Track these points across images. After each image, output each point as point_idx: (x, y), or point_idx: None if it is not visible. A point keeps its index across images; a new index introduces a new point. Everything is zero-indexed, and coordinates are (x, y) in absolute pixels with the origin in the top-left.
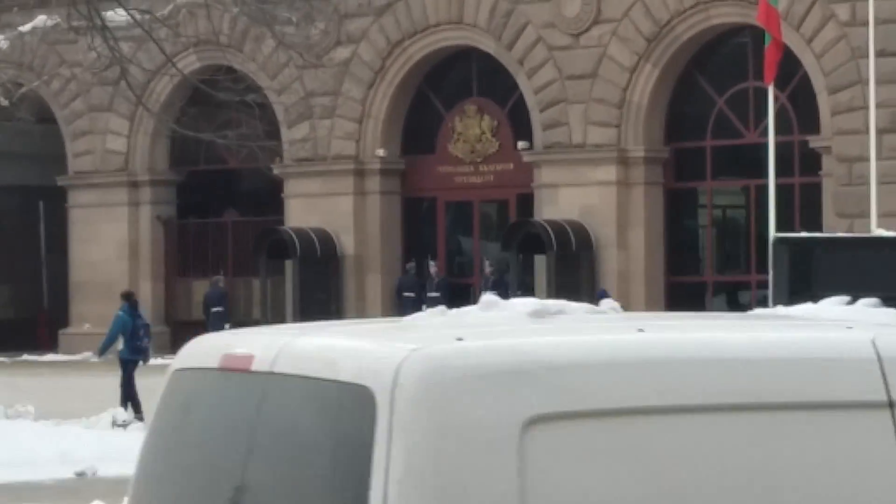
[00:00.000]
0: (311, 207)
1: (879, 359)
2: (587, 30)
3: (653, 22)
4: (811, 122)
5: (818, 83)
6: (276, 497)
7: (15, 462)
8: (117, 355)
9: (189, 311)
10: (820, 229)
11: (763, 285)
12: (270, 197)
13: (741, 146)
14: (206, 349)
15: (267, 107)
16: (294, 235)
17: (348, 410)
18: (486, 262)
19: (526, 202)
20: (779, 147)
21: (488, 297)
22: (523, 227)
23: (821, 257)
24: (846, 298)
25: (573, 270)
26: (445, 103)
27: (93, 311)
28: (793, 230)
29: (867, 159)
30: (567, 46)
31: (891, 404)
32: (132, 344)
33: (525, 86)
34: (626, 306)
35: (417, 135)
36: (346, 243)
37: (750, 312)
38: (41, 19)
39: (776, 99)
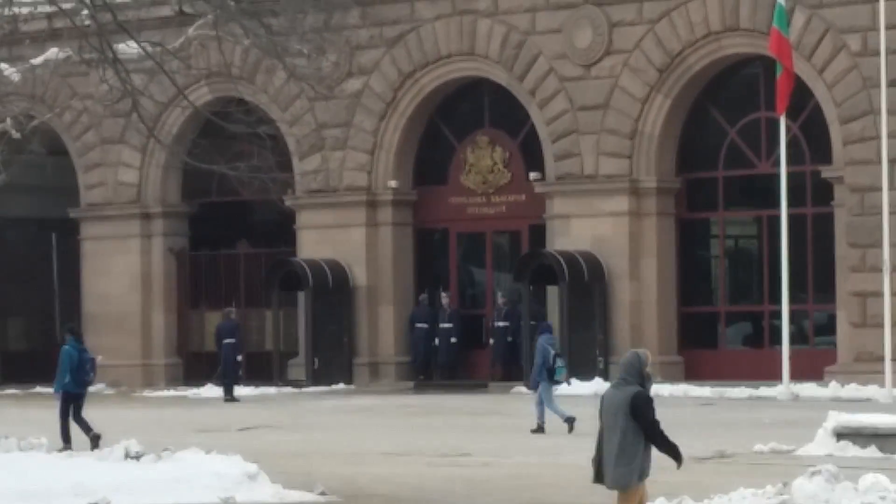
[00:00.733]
0: (323, 239)
1: None
2: (599, 60)
3: (664, 53)
4: (823, 152)
5: (830, 113)
6: None
7: (28, 494)
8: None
9: (202, 342)
10: (832, 259)
11: (776, 315)
12: (282, 228)
13: (753, 176)
14: None
15: (279, 138)
16: (306, 267)
17: None
18: (499, 294)
19: (538, 233)
20: (791, 177)
21: None
22: (535, 258)
23: None
24: None
25: (586, 301)
26: (457, 134)
27: (106, 343)
28: (805, 260)
29: (879, 189)
30: (579, 77)
31: None
32: (78, 378)
33: (537, 116)
34: (639, 337)
35: (429, 166)
36: (359, 275)
37: None
38: (53, 52)
39: (788, 129)
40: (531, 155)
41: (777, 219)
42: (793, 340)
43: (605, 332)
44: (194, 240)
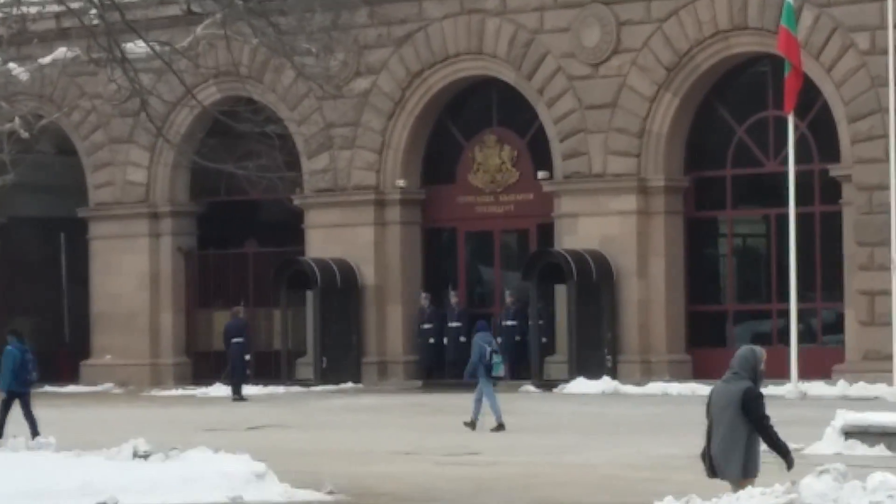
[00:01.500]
0: (331, 238)
1: None
2: (607, 59)
3: (672, 51)
4: (831, 150)
5: (838, 112)
6: None
7: (36, 493)
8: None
9: (210, 342)
10: (840, 258)
11: (784, 314)
12: (291, 228)
13: (761, 175)
14: None
15: (287, 138)
16: (315, 266)
17: None
18: (507, 292)
19: (546, 232)
20: (799, 176)
21: None
22: (544, 256)
23: None
24: None
25: (593, 300)
26: (465, 133)
27: (114, 343)
28: (813, 259)
29: (887, 187)
30: (587, 76)
31: None
32: (20, 377)
33: (545, 115)
34: (647, 336)
35: (437, 165)
36: (367, 274)
37: None
38: (61, 51)
39: (796, 128)
40: (539, 154)
41: (785, 217)
42: (801, 339)
43: (613, 330)
44: (202, 239)
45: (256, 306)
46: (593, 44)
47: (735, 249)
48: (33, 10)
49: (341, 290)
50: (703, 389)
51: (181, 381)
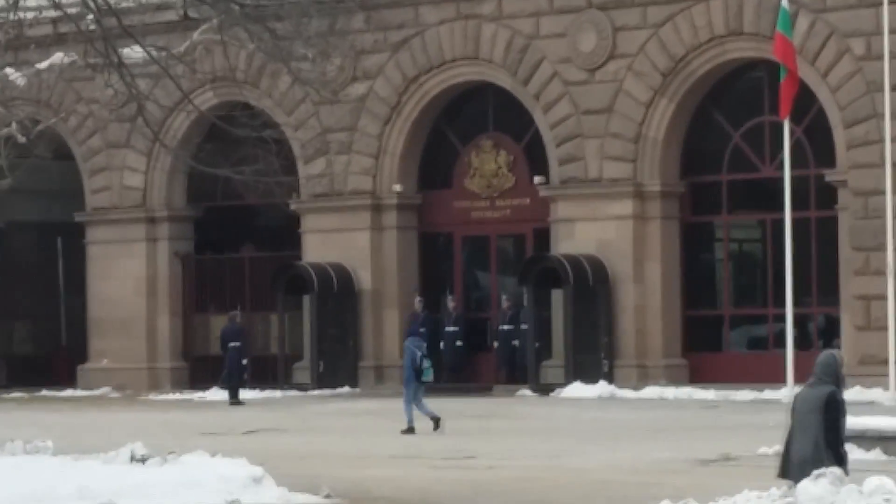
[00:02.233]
0: (328, 243)
1: None
2: (603, 65)
3: (668, 57)
4: (827, 155)
5: (834, 117)
6: None
7: (34, 497)
8: None
9: (207, 346)
10: (836, 262)
11: (780, 319)
12: (287, 232)
13: (757, 180)
14: None
15: (283, 143)
16: (311, 270)
17: None
18: (504, 297)
19: (542, 237)
20: (795, 181)
21: None
22: (540, 261)
23: None
24: None
25: (590, 305)
26: (461, 138)
27: (111, 347)
28: (809, 264)
29: (883, 192)
30: (583, 81)
31: None
32: None
33: (541, 121)
34: (644, 340)
35: (434, 170)
36: (364, 278)
37: None
38: (58, 56)
39: (792, 133)
40: (535, 159)
41: (781, 222)
42: (797, 344)
43: (609, 335)
44: (199, 244)
45: (253, 311)
46: (589, 49)
47: (731, 254)
48: (30, 15)
49: (338, 295)
50: (700, 393)
51: (178, 385)
